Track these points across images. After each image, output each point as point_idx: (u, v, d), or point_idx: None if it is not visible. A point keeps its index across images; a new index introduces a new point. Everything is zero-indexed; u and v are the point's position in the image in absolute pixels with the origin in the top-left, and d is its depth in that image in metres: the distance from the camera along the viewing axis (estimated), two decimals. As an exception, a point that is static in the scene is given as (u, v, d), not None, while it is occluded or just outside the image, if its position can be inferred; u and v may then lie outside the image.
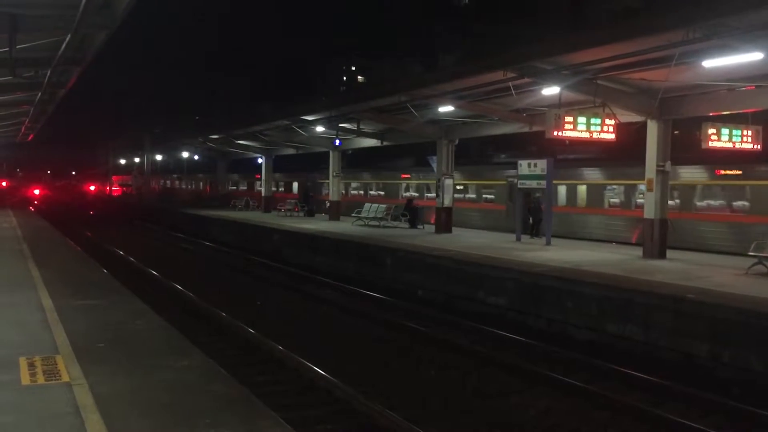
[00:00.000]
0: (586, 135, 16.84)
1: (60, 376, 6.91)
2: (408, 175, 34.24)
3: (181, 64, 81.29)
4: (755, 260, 14.52)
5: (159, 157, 61.54)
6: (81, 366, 7.24)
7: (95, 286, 12.91)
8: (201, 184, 61.66)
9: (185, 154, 54.58)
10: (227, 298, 16.89)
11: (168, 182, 70.84)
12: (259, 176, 43.23)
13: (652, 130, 17.31)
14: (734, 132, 16.80)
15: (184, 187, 65.76)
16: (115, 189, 79.78)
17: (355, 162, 43.29)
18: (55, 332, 8.80)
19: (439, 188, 25.20)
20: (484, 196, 29.16)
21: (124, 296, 12.09)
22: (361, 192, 37.87)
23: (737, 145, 16.91)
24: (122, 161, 75.39)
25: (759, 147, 17.36)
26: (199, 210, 41.56)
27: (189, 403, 6.29)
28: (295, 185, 43.90)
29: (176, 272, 20.72)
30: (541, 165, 20.73)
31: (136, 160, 67.40)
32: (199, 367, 7.53)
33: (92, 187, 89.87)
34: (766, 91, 15.07)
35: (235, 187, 53.12)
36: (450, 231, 24.86)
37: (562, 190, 25.13)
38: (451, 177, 25.44)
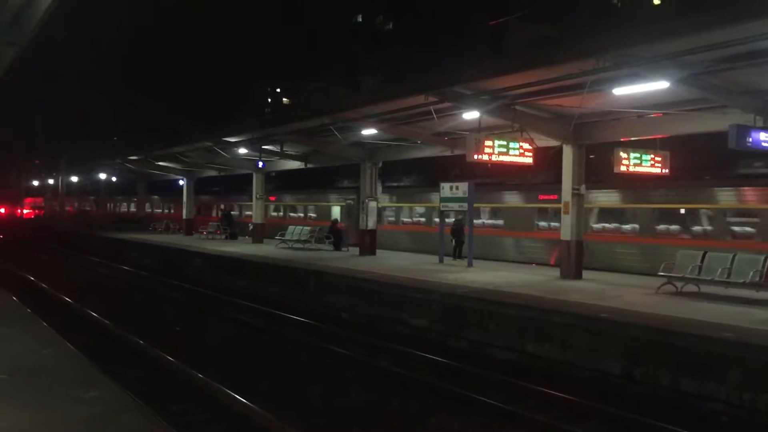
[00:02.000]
0: (505, 158, 17.23)
1: (-43, 410, 6.51)
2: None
3: (99, 81, 78.40)
4: (665, 280, 15.15)
5: (75, 179, 59.42)
6: (-19, 400, 6.84)
7: (1, 314, 12.27)
8: (120, 206, 59.82)
9: (103, 176, 52.92)
10: (144, 323, 16.36)
11: (84, 204, 68.35)
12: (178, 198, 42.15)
13: (568, 154, 17.90)
14: (644, 157, 17.60)
15: (101, 209, 63.63)
16: (28, 212, 76.40)
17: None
18: (-46, 364, 8.29)
19: (363, 210, 25.24)
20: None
21: (32, 324, 11.53)
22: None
23: (646, 169, 17.70)
24: (35, 182, 72.34)
25: (667, 171, 18.23)
26: (118, 233, 40.26)
27: (98, 435, 6.03)
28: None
29: (90, 298, 19.93)
30: (462, 188, 21.09)
31: (50, 181, 64.89)
32: (111, 397, 7.23)
33: (2, 210, 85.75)
34: (672, 118, 15.84)
35: (155, 210, 51.73)
36: (374, 253, 24.90)
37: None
38: (375, 199, 25.52)
